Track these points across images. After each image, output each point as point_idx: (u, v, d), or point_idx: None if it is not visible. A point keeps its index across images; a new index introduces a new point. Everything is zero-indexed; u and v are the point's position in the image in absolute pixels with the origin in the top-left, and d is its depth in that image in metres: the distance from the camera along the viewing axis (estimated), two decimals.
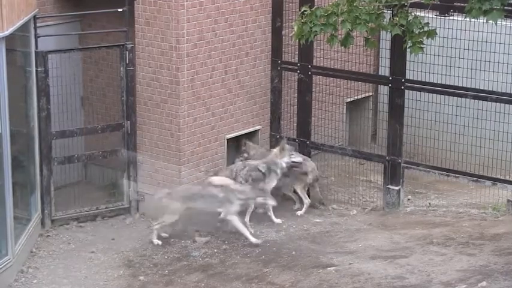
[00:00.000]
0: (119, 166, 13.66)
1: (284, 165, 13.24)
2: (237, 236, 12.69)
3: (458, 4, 13.73)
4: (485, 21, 9.86)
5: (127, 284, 11.68)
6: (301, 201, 13.65)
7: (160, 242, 12.58)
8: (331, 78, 14.55)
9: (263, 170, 13.14)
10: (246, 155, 13.81)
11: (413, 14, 10.27)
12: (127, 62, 13.30)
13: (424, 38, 10.23)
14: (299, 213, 13.54)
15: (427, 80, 13.58)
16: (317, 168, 13.82)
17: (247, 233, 12.46)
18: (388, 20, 10.40)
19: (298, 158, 13.46)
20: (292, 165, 13.39)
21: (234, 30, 13.62)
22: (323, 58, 14.40)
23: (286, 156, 13.24)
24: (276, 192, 13.39)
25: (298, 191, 13.60)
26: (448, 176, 13.47)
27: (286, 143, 13.46)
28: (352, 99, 15.36)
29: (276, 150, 13.36)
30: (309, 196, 13.65)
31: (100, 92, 14.44)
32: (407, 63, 13.19)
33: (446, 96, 13.48)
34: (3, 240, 11.62)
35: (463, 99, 13.34)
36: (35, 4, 12.86)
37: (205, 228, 12.90)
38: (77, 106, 14.32)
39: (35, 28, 12.80)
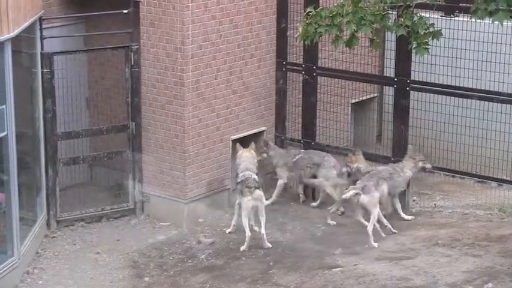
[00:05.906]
0: (124, 167, 13.67)
1: None
2: (242, 237, 12.69)
3: (464, 5, 13.71)
4: (491, 22, 9.85)
5: (132, 285, 11.68)
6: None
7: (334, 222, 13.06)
8: (336, 79, 14.52)
9: None
10: (265, 155, 13.75)
11: (418, 14, 10.25)
12: (132, 63, 13.30)
13: (429, 38, 10.22)
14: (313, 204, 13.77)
15: (433, 81, 13.56)
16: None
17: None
18: (393, 21, 10.39)
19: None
20: None
21: (239, 32, 13.61)
22: (328, 59, 14.38)
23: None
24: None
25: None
26: (453, 177, 13.46)
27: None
28: (357, 100, 15.32)
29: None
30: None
31: (105, 94, 14.43)
32: (413, 64, 13.16)
33: (451, 97, 13.45)
34: (9, 241, 11.64)
35: (469, 100, 13.30)
36: (41, 6, 12.87)
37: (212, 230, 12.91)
38: (82, 107, 14.33)
39: (41, 29, 12.81)
